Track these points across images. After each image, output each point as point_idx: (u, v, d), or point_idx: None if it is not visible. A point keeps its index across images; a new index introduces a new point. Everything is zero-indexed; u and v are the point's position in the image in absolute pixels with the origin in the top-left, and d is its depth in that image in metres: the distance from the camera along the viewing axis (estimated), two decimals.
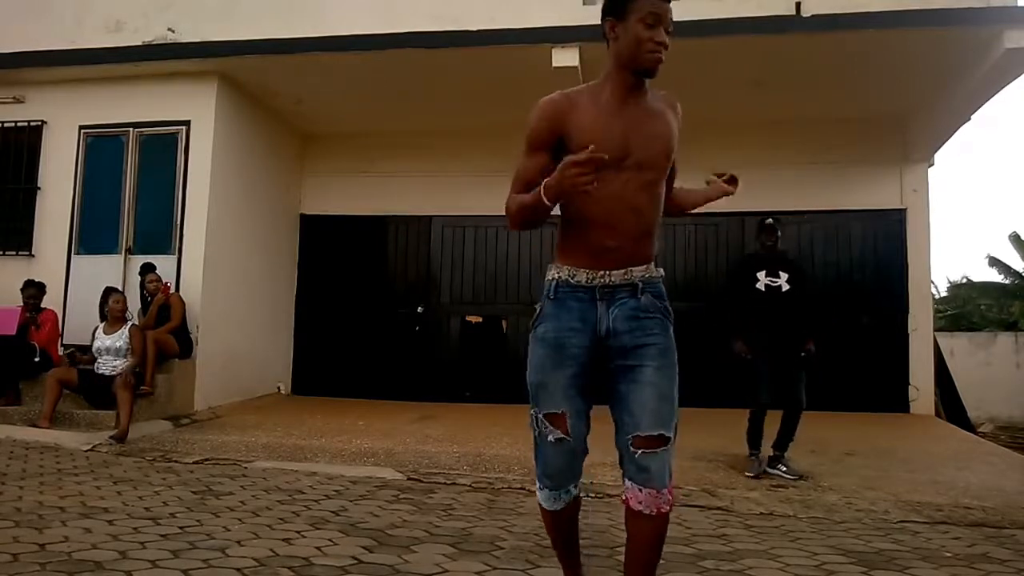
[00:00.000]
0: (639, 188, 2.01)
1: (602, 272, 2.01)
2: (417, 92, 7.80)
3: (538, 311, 2.09)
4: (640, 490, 1.96)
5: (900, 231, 8.23)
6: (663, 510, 1.95)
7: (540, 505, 2.24)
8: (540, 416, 2.05)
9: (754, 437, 4.96)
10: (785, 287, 4.98)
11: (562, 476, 2.12)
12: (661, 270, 2.09)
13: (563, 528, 2.28)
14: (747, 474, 4.82)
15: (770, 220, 5.11)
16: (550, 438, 2.05)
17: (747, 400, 5.04)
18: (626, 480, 2.00)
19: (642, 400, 1.95)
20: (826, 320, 5.34)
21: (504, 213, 2.05)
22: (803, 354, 4.90)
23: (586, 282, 2.02)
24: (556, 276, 2.07)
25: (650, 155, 2.02)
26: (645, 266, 2.04)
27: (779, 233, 5.12)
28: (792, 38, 6.53)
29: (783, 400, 4.87)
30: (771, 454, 4.89)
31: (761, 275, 5.01)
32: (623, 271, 2.02)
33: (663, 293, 2.07)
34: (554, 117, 2.01)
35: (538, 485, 2.19)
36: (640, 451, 1.95)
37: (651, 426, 1.94)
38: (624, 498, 2.01)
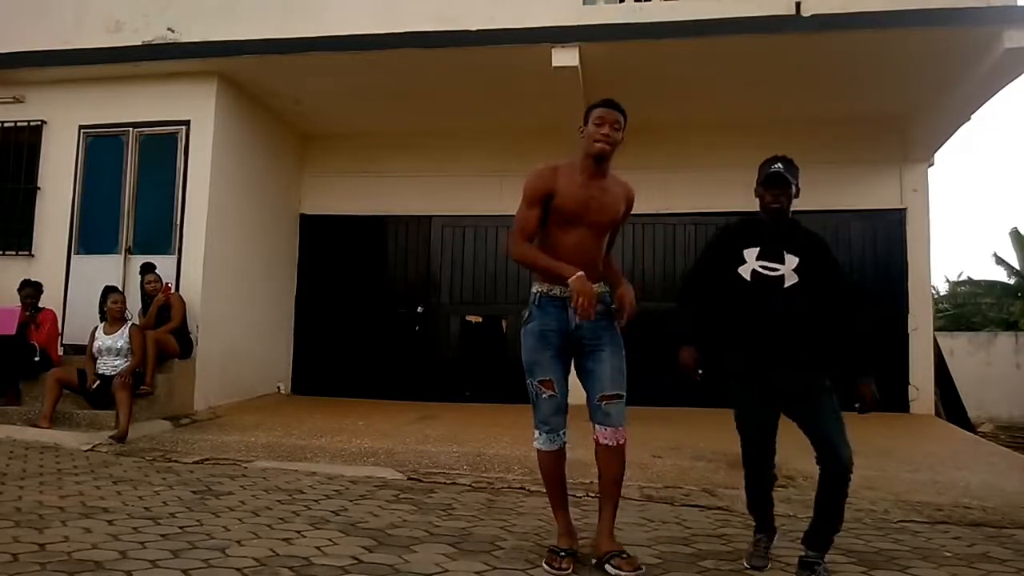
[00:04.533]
0: (591, 237, 3.03)
1: (559, 289, 2.98)
2: (417, 92, 7.80)
3: (528, 313, 3.08)
4: (605, 429, 2.95)
5: (900, 231, 8.23)
6: (620, 442, 2.97)
7: (539, 450, 3.05)
8: (535, 382, 3.00)
9: (754, 506, 3.17)
10: (790, 278, 2.93)
11: (555, 422, 3.00)
12: (607, 288, 3.08)
13: (557, 469, 3.07)
14: (745, 566, 3.07)
15: (778, 166, 2.99)
16: (544, 396, 2.98)
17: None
18: (596, 426, 2.97)
19: (603, 371, 2.98)
20: (875, 339, 3.04)
21: (511, 240, 3.06)
22: (856, 405, 2.94)
23: (560, 294, 2.98)
24: (540, 290, 3.04)
25: (600, 219, 3.03)
26: (596, 284, 2.95)
27: (794, 187, 3.00)
28: (792, 38, 6.52)
29: (820, 461, 2.83)
30: (802, 554, 2.90)
31: (750, 255, 2.99)
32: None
33: (608, 302, 3.06)
34: (547, 183, 2.99)
35: (536, 433, 3.03)
36: (605, 403, 2.95)
37: (611, 387, 2.96)
38: (595, 438, 2.99)
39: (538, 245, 3.04)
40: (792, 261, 2.95)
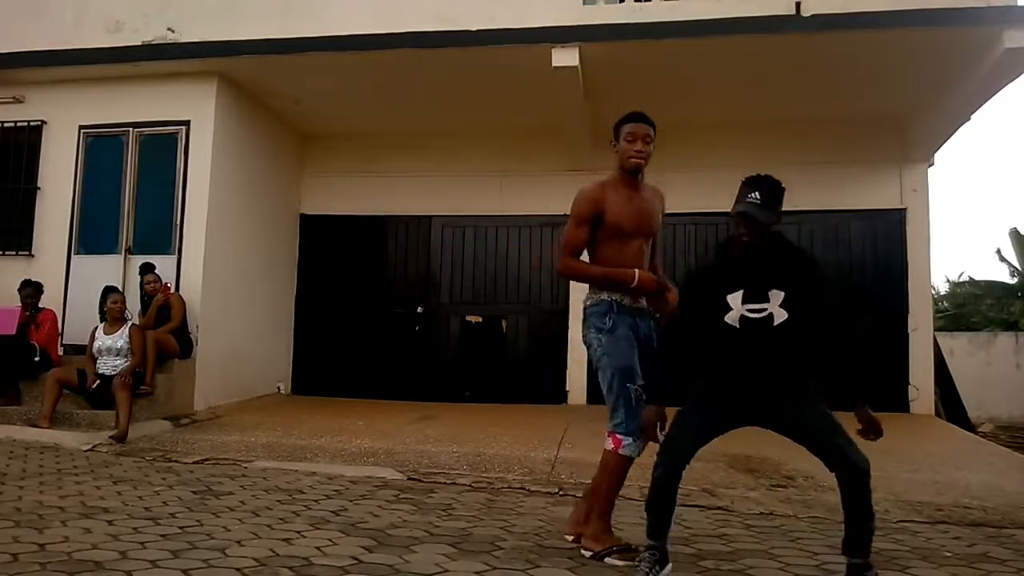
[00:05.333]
0: (640, 247, 3.24)
1: (630, 299, 3.19)
2: (417, 92, 7.80)
3: (610, 321, 3.15)
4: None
5: (900, 231, 8.23)
6: None
7: (624, 458, 3.07)
8: (636, 387, 3.03)
9: (653, 507, 2.77)
10: (779, 315, 2.74)
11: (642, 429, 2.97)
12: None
13: (625, 476, 3.14)
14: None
15: (753, 196, 2.75)
16: (643, 400, 2.95)
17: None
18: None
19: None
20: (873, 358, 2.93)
21: (564, 262, 3.26)
22: (859, 429, 2.70)
23: (628, 304, 3.18)
24: (612, 299, 3.17)
25: (648, 229, 3.27)
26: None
27: (769, 216, 2.75)
28: (792, 38, 6.52)
29: (832, 466, 2.64)
30: (848, 563, 2.68)
31: (734, 300, 2.77)
32: (639, 299, 3.23)
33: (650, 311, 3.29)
34: (597, 204, 3.17)
35: (629, 440, 3.04)
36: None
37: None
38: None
39: (596, 263, 3.25)
40: (777, 297, 2.74)
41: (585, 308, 3.28)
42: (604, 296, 3.19)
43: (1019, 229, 19.44)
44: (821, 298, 2.78)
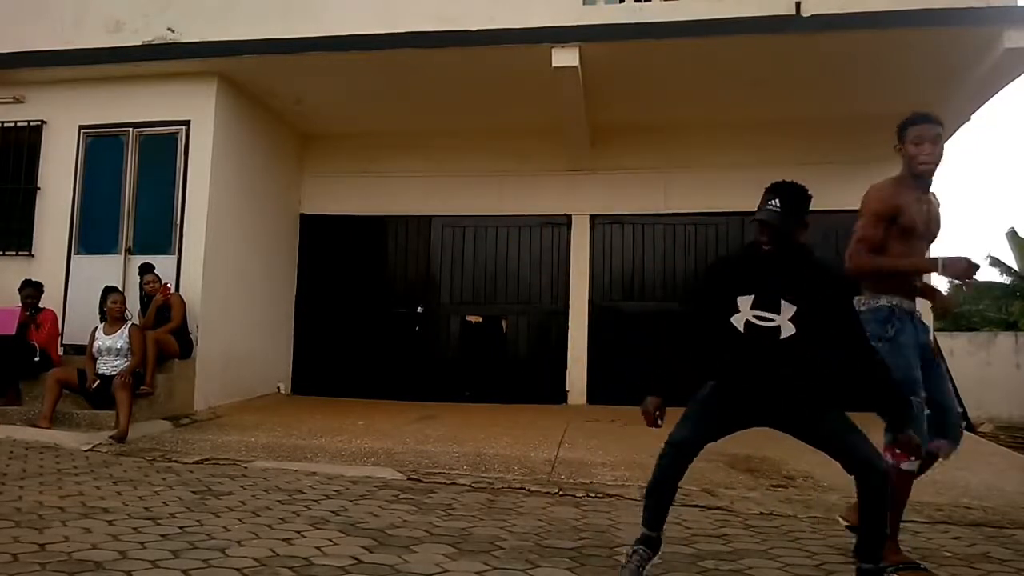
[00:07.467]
0: (925, 249, 3.20)
1: (909, 302, 3.10)
2: (417, 92, 7.80)
3: (891, 327, 3.01)
4: (945, 443, 3.09)
5: None
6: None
7: (905, 472, 2.91)
8: (920, 400, 2.90)
9: (654, 493, 2.74)
10: (786, 329, 2.63)
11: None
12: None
13: (908, 492, 3.01)
14: None
15: (773, 204, 2.67)
16: (928, 413, 2.92)
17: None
18: (940, 439, 3.07)
19: (947, 387, 3.17)
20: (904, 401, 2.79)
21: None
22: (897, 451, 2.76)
23: (907, 308, 3.08)
24: (891, 304, 3.05)
25: (935, 232, 3.19)
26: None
27: (788, 224, 2.66)
28: (792, 38, 6.52)
29: (851, 470, 2.58)
30: (858, 567, 2.62)
31: (744, 303, 2.67)
32: (915, 303, 3.16)
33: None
34: (895, 201, 3.07)
35: (911, 457, 2.87)
36: (954, 419, 3.15)
37: (959, 405, 3.37)
38: (934, 449, 3.06)
39: None
40: (789, 310, 2.62)
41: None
42: (883, 301, 3.05)
43: (1017, 230, 19.44)
44: (844, 325, 2.69)
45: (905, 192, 3.08)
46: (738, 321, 2.67)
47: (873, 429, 2.72)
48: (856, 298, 3.10)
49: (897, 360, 2.89)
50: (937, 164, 3.08)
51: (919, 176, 3.10)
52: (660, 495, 2.71)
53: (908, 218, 3.04)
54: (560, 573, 2.87)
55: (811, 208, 2.72)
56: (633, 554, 2.68)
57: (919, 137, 3.06)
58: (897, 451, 2.81)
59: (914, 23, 6.23)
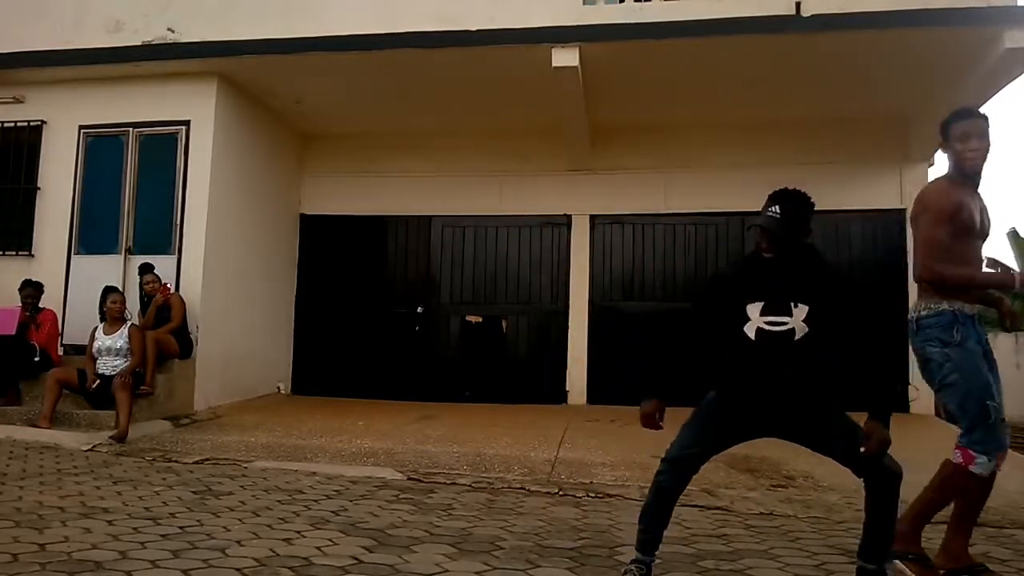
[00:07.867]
0: (981, 248, 3.07)
1: (972, 306, 3.00)
2: (417, 92, 7.80)
3: (957, 333, 2.95)
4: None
5: (900, 231, 8.21)
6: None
7: (978, 476, 2.90)
8: (995, 405, 2.90)
9: (648, 515, 2.72)
10: (800, 330, 2.60)
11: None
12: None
13: (983, 495, 2.99)
14: None
15: (773, 210, 2.65)
16: (1003, 419, 2.92)
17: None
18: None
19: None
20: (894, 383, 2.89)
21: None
22: (861, 449, 2.59)
23: (970, 312, 2.98)
24: (954, 309, 2.96)
25: (989, 230, 3.08)
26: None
27: (788, 232, 2.63)
28: (792, 38, 6.52)
29: (859, 473, 2.62)
30: (859, 566, 2.62)
31: (753, 311, 2.64)
32: (976, 306, 3.05)
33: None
34: (957, 199, 2.93)
35: (984, 460, 2.88)
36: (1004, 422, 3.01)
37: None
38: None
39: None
40: (801, 311, 2.58)
41: (919, 320, 3.02)
42: (945, 306, 2.96)
43: (1017, 230, 19.41)
44: (857, 312, 2.65)
45: (960, 191, 2.98)
46: (750, 329, 2.62)
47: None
48: (917, 302, 3.07)
49: (967, 365, 2.90)
50: (985, 159, 2.98)
51: (968, 173, 3.00)
52: (653, 516, 2.67)
53: (968, 215, 2.94)
54: (560, 573, 2.87)
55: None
56: (626, 573, 2.64)
57: (965, 133, 2.96)
58: (970, 452, 2.87)
59: (914, 23, 6.23)
